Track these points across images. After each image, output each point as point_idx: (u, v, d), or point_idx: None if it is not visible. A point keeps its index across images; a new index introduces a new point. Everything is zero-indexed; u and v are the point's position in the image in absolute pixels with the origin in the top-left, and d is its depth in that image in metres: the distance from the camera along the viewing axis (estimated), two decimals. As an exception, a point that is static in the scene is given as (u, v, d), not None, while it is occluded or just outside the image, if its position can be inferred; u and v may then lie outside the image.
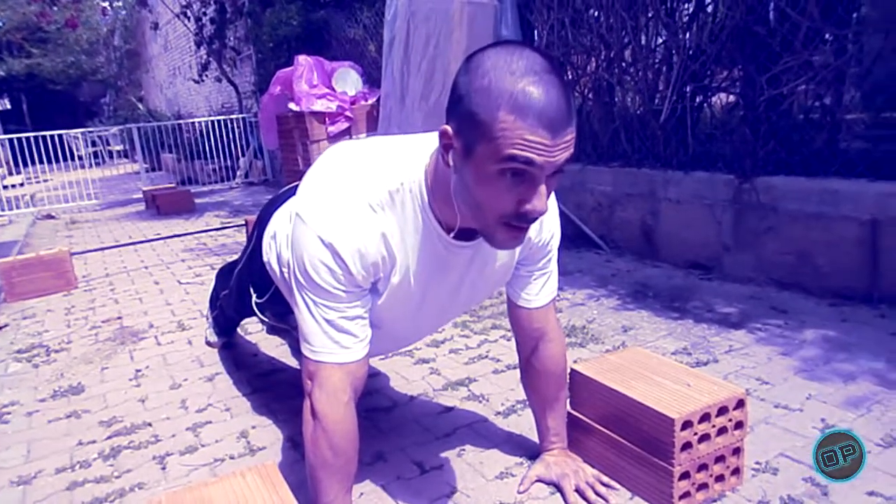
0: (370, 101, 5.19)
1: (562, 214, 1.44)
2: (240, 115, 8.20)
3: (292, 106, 5.19)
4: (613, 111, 3.34)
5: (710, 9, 2.85)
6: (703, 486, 1.22)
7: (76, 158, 8.00)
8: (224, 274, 1.92)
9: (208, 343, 2.19)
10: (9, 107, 18.19)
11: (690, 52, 2.84)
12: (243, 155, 8.18)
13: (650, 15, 3.03)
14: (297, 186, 1.14)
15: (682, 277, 2.72)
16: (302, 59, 5.16)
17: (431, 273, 1.10)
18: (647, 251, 3.07)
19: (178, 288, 3.22)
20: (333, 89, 5.18)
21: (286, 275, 1.20)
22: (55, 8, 9.51)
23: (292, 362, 2.11)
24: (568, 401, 1.40)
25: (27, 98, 18.73)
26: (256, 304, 1.52)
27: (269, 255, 1.37)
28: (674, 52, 2.94)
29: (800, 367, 1.78)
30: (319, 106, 5.04)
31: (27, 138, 7.06)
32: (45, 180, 7.96)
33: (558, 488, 1.30)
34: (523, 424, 1.56)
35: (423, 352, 2.09)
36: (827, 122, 2.44)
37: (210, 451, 1.57)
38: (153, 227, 5.35)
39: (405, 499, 1.32)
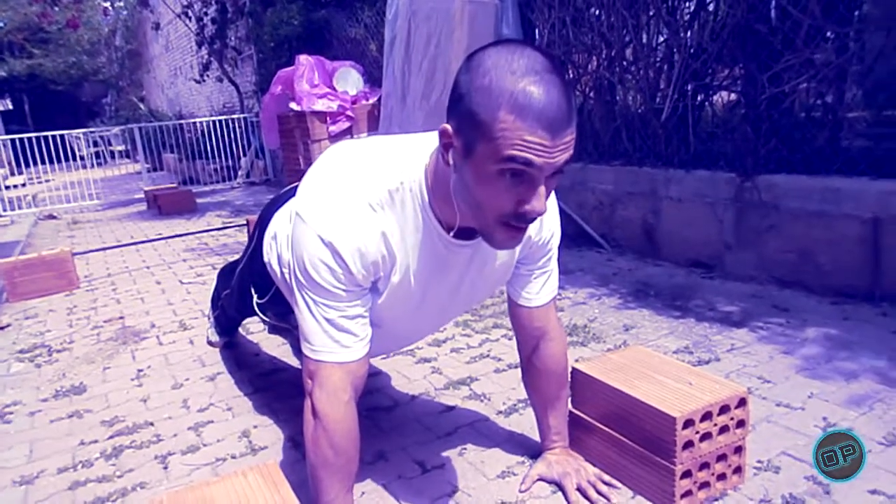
0: (371, 101, 5.19)
1: (563, 213, 1.44)
2: (241, 115, 8.20)
3: (293, 105, 5.20)
4: (615, 110, 3.34)
5: (711, 7, 2.85)
6: (704, 485, 1.22)
7: (78, 159, 8.00)
8: (225, 274, 1.92)
9: (210, 343, 2.19)
10: (11, 107, 18.20)
11: (692, 51, 2.84)
12: (245, 155, 8.18)
13: (651, 13, 3.03)
14: (297, 187, 1.14)
15: (683, 276, 2.72)
16: (303, 59, 5.17)
17: (431, 272, 1.10)
18: (648, 250, 3.07)
19: (180, 288, 3.23)
20: (334, 89, 5.18)
21: (287, 275, 1.20)
22: (56, 8, 9.50)
23: (294, 362, 2.11)
24: (569, 399, 1.40)
25: (29, 98, 18.76)
26: (258, 304, 1.52)
27: (269, 255, 1.37)
28: (675, 50, 2.93)
29: (801, 366, 1.78)
30: (320, 105, 5.04)
31: (29, 139, 7.07)
32: (47, 180, 7.97)
33: (560, 487, 1.30)
34: (525, 423, 1.56)
35: (424, 351, 2.09)
36: (828, 120, 2.44)
37: (212, 450, 1.58)
38: (155, 227, 5.35)
39: (406, 498, 1.32)
